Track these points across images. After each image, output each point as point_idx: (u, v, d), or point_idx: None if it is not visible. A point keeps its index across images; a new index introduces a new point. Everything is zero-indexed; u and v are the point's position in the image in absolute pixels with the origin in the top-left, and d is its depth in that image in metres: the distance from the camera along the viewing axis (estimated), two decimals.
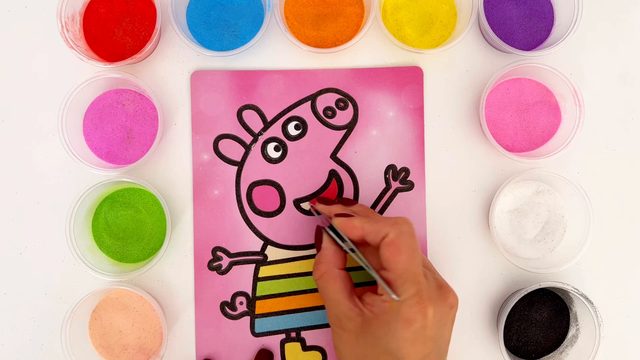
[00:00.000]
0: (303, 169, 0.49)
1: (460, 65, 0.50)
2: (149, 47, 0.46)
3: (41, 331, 0.48)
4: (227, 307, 0.48)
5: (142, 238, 0.48)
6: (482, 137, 0.49)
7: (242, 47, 0.46)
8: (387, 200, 0.49)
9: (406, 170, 0.49)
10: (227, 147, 0.49)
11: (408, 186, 0.49)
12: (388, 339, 0.37)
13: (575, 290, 0.45)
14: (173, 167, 0.49)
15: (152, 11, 0.48)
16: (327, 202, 0.46)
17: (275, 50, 0.49)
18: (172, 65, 0.49)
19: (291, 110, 0.49)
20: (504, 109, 0.49)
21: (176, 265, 0.48)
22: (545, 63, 0.47)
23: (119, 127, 0.48)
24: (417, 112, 0.49)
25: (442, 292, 0.39)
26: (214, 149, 0.49)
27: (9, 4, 0.49)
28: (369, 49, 0.50)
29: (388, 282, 0.38)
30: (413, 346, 0.37)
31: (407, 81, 0.49)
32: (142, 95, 0.49)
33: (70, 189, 0.48)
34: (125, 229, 0.48)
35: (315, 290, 0.48)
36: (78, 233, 0.46)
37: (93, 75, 0.46)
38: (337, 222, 0.41)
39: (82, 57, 0.46)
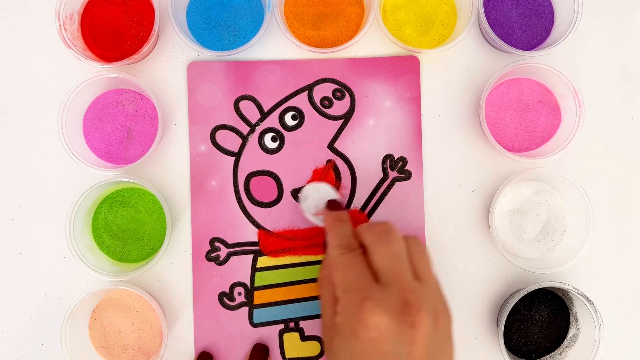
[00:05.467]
0: (300, 159, 0.49)
1: (460, 65, 0.50)
2: (146, 48, 0.46)
3: (41, 331, 0.48)
4: (225, 298, 0.48)
5: (142, 238, 0.48)
6: (482, 137, 0.49)
7: (242, 47, 0.46)
8: (384, 190, 0.49)
9: (403, 160, 0.49)
10: (224, 137, 0.49)
11: (406, 175, 0.49)
12: (344, 350, 0.34)
13: (575, 290, 0.45)
14: (173, 167, 0.49)
15: (150, 11, 0.48)
16: (337, 207, 0.45)
17: (275, 51, 0.49)
18: (172, 65, 0.49)
19: (288, 100, 0.49)
20: (504, 109, 0.49)
21: (176, 265, 0.48)
22: (545, 63, 0.47)
23: (119, 127, 0.48)
24: (414, 101, 0.49)
25: (403, 308, 0.34)
26: (211, 140, 0.49)
27: (9, 4, 0.49)
28: (368, 49, 0.50)
29: None
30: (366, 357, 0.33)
31: (403, 70, 0.49)
32: (142, 95, 0.48)
33: (70, 189, 0.48)
34: (125, 229, 0.48)
35: (313, 280, 0.48)
36: (78, 233, 0.46)
37: (93, 75, 0.46)
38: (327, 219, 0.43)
39: (80, 57, 0.46)
